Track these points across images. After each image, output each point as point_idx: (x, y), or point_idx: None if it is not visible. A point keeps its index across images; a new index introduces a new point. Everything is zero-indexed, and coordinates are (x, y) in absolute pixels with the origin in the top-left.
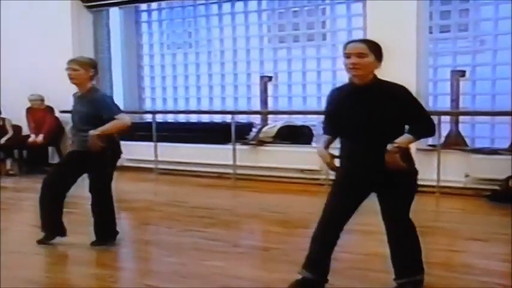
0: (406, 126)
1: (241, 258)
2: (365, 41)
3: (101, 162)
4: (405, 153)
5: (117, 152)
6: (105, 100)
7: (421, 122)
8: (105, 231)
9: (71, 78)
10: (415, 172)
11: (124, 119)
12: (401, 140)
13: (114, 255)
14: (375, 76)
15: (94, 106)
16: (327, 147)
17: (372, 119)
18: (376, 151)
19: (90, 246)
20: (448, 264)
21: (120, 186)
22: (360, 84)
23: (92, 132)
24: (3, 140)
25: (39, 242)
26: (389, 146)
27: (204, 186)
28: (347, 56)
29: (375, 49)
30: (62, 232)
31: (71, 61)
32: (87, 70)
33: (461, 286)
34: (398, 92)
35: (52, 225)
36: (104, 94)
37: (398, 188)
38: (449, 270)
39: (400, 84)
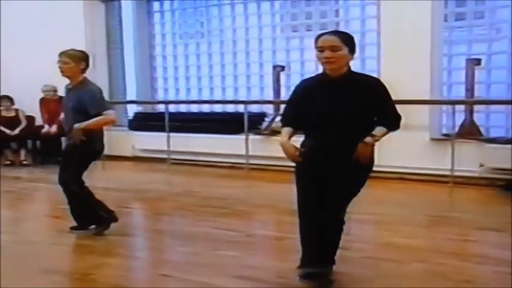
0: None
1: (254, 247)
2: (337, 33)
3: (75, 154)
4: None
5: (94, 147)
6: (94, 95)
7: (391, 116)
8: (86, 219)
9: (62, 71)
10: (371, 169)
11: (110, 116)
12: (378, 132)
13: (129, 245)
14: (349, 68)
15: (82, 100)
16: (289, 138)
17: (346, 111)
18: (345, 143)
19: (70, 231)
20: (462, 254)
21: (134, 176)
22: (334, 76)
23: (76, 125)
24: (17, 130)
25: (71, 228)
26: (368, 138)
27: (217, 177)
28: (320, 49)
29: (348, 41)
30: (92, 222)
31: (61, 54)
32: (77, 63)
33: (476, 276)
34: (373, 84)
35: (77, 216)
36: (93, 88)
37: (352, 181)
38: (464, 260)
39: (376, 76)
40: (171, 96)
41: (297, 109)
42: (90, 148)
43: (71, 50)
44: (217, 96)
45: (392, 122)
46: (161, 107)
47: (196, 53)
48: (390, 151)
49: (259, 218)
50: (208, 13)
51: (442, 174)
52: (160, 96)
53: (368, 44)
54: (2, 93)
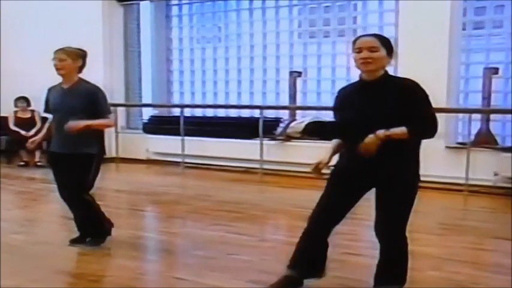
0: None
1: (268, 252)
2: (376, 35)
3: (88, 163)
4: (406, 154)
5: (103, 153)
6: (101, 95)
7: (423, 120)
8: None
9: (58, 68)
10: (418, 176)
11: (111, 121)
12: (394, 130)
13: (143, 247)
14: (386, 72)
15: (88, 98)
16: (334, 153)
17: (381, 115)
18: (381, 150)
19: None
20: (478, 263)
21: (147, 179)
22: (369, 80)
23: (76, 122)
24: (32, 131)
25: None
26: (379, 131)
27: (231, 181)
28: (358, 50)
29: (387, 44)
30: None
31: (58, 50)
32: (75, 60)
33: (491, 285)
34: (409, 87)
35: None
36: (98, 87)
37: (397, 192)
38: (479, 269)
39: (413, 80)
40: (187, 100)
41: (339, 119)
42: (101, 153)
43: (68, 47)
44: (233, 100)
45: (421, 127)
46: (176, 111)
47: (213, 57)
48: None
49: (272, 223)
50: (226, 18)
51: (457, 182)
52: (176, 99)
53: None
54: (18, 95)
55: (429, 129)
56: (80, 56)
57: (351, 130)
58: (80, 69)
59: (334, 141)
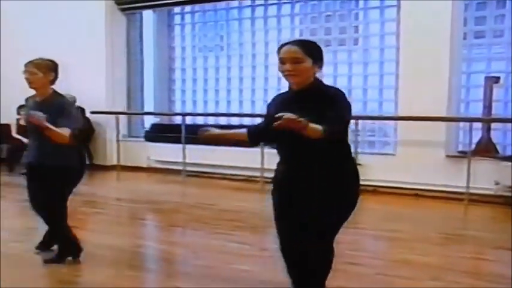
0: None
1: (268, 262)
2: (300, 44)
3: (67, 176)
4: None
5: (83, 168)
6: (66, 108)
7: (333, 121)
8: (63, 248)
9: (29, 82)
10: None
11: (64, 135)
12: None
13: (142, 256)
14: (315, 79)
15: (57, 112)
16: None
17: None
18: (309, 160)
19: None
20: (478, 273)
21: (148, 187)
22: (297, 90)
23: (41, 115)
24: None
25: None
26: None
27: (231, 189)
28: (281, 61)
29: (312, 52)
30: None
31: (29, 63)
32: (46, 73)
33: None
34: (331, 96)
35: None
36: (67, 101)
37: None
38: (479, 279)
39: (338, 88)
40: (189, 109)
41: (265, 123)
42: (82, 168)
43: (39, 59)
44: (235, 109)
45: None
46: (178, 119)
47: (215, 66)
48: (405, 167)
49: (273, 232)
50: (229, 27)
51: (457, 191)
52: (177, 108)
53: (387, 60)
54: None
55: (328, 130)
56: (51, 68)
57: (283, 140)
58: (52, 81)
59: (242, 130)
